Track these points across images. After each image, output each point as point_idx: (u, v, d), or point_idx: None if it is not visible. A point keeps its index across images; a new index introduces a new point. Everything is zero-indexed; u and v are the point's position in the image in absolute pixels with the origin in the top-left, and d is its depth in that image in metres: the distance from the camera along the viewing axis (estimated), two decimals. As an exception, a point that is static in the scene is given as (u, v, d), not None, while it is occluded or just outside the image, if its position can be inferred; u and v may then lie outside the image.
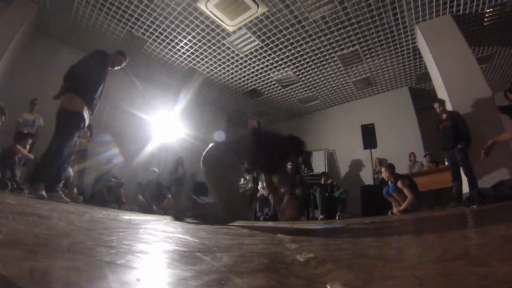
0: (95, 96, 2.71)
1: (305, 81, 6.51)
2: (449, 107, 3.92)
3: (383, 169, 4.06)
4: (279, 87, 6.81)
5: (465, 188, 3.52)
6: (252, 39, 5.06)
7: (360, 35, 4.92)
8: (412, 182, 3.74)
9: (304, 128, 8.24)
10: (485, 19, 4.54)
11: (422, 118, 6.35)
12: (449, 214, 2.28)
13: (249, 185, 5.23)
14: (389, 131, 6.31)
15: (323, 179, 5.30)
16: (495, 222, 1.20)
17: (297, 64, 5.84)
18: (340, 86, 6.75)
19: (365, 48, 5.30)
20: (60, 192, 2.55)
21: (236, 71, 6.15)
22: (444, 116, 3.82)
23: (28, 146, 3.65)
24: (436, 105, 3.89)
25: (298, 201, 4.13)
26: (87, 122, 2.70)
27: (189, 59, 5.74)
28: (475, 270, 0.42)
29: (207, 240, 0.93)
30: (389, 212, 3.96)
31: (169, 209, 5.01)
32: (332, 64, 5.81)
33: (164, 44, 5.28)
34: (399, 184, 3.69)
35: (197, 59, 5.73)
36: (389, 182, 3.94)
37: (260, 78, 6.39)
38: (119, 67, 2.96)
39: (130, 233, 0.90)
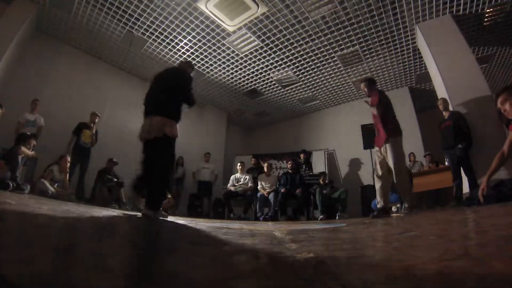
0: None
1: (305, 81, 6.50)
2: (449, 107, 3.92)
3: None
4: (279, 87, 6.81)
5: (465, 188, 3.52)
6: (252, 39, 5.06)
7: (360, 35, 4.92)
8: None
9: (304, 128, 8.24)
10: (485, 19, 4.54)
11: (422, 118, 6.33)
12: (449, 214, 2.28)
13: (249, 185, 5.23)
14: (389, 131, 6.29)
15: (321, 178, 5.31)
16: (495, 222, 1.20)
17: (297, 64, 5.83)
18: (340, 86, 6.74)
19: (365, 48, 5.30)
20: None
21: (236, 71, 6.15)
22: (446, 114, 3.83)
23: (30, 146, 3.75)
24: (439, 102, 3.91)
25: None
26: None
27: (189, 59, 5.74)
28: (475, 270, 0.42)
29: (207, 240, 0.93)
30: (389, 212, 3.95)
31: (168, 208, 5.01)
32: (332, 64, 5.81)
33: (164, 44, 5.28)
34: None
35: (197, 59, 5.72)
36: None
37: (260, 78, 6.39)
38: None
39: (129, 233, 0.90)
